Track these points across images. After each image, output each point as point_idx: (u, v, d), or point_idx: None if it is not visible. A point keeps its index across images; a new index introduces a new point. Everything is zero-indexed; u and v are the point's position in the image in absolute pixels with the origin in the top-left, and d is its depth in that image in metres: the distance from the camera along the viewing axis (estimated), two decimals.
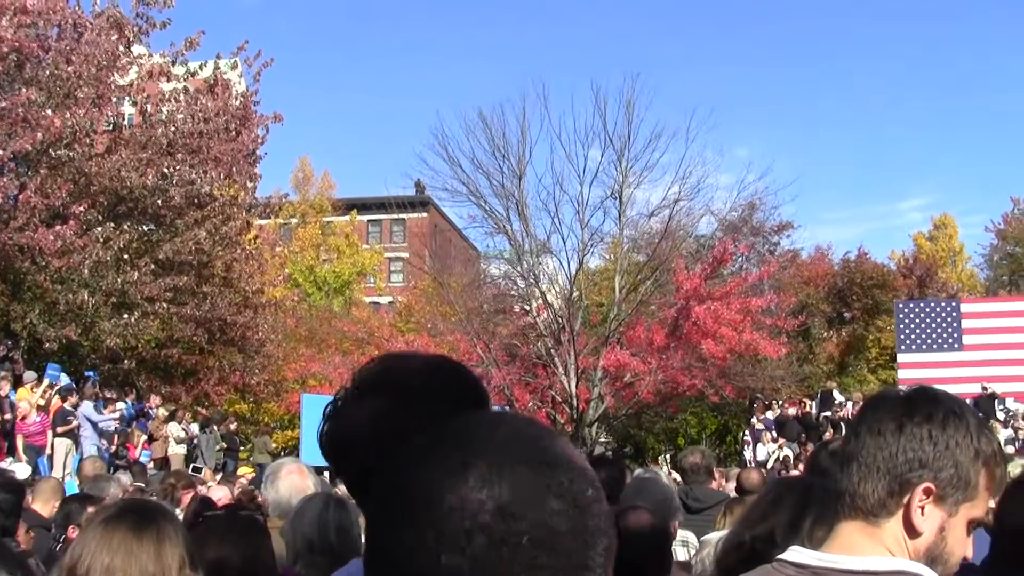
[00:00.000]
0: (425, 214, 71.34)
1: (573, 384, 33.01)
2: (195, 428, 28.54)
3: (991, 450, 2.36)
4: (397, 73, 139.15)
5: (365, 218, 75.33)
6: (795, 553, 2.39)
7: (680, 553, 6.60)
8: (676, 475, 13.34)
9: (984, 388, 33.75)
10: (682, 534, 7.02)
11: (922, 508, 2.29)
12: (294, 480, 5.67)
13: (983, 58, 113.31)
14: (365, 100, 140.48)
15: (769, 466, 27.93)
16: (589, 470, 1.37)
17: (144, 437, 26.62)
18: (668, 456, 37.44)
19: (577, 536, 1.31)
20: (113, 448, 24.40)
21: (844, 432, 2.51)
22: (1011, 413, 33.60)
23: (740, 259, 45.07)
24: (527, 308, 36.43)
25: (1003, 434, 30.91)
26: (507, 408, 31.90)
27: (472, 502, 1.25)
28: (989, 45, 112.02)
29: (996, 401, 34.24)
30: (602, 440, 38.55)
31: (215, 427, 29.76)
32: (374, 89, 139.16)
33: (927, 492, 2.28)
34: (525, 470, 1.30)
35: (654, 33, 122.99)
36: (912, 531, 2.30)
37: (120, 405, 26.03)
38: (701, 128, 49.88)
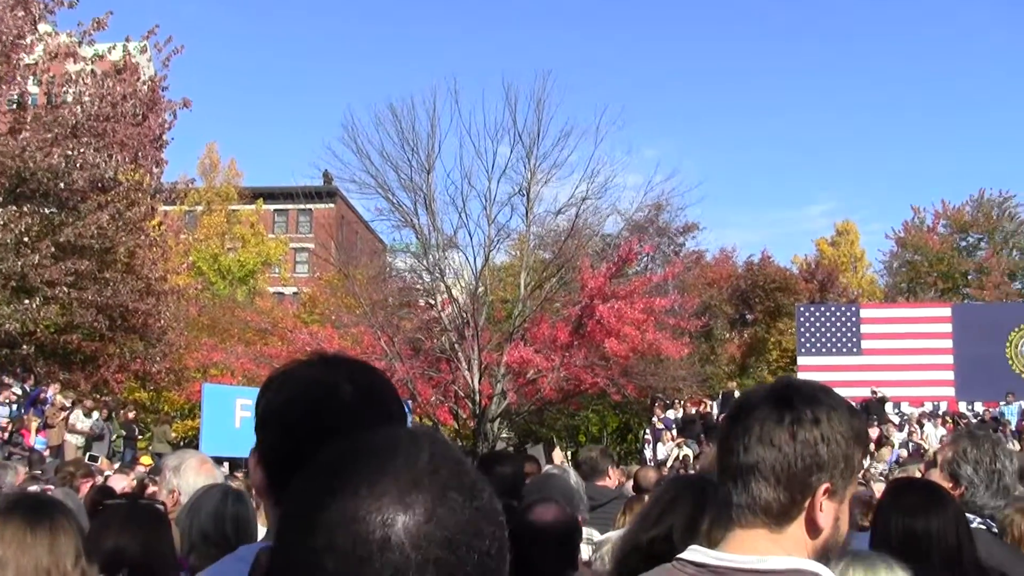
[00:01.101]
0: (332, 205, 70.95)
1: (476, 379, 32.98)
2: (95, 416, 28.15)
3: (862, 427, 2.44)
4: (308, 63, 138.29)
5: (271, 207, 74.78)
6: (694, 552, 2.40)
7: (584, 551, 6.62)
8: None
9: (874, 392, 34.49)
10: (586, 531, 7.05)
11: (821, 506, 2.34)
12: (209, 470, 5.64)
13: (889, 70, 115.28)
14: (275, 89, 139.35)
15: (669, 465, 28.17)
16: (486, 479, 1.41)
17: (38, 423, 26.20)
18: (569, 453, 37.62)
19: (501, 554, 1.36)
20: (5, 435, 24.05)
21: (727, 443, 2.49)
22: (906, 417, 34.27)
23: (645, 259, 45.40)
24: (432, 302, 36.30)
25: (897, 437, 31.51)
26: (410, 402, 31.88)
27: (417, 534, 1.28)
28: (895, 57, 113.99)
29: (890, 405, 34.95)
30: (504, 436, 38.60)
31: (112, 415, 29.39)
32: (285, 78, 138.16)
33: (826, 491, 2.34)
34: (460, 496, 1.32)
35: (565, 32, 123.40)
36: (815, 530, 2.35)
37: (16, 390, 25.68)
38: (610, 127, 49.93)
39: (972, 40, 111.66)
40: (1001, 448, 4.79)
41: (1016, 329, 38.52)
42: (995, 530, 4.63)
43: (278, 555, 1.36)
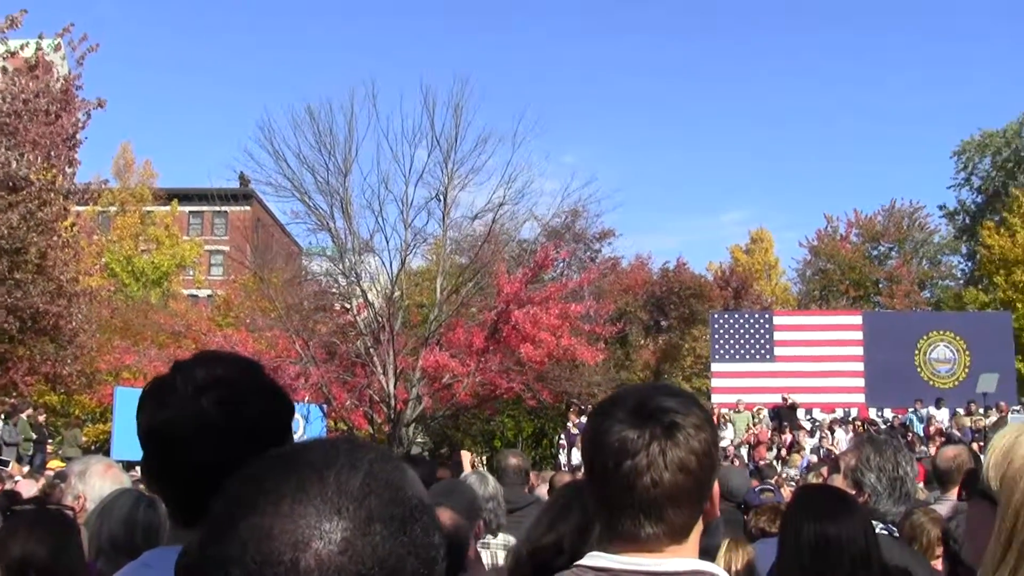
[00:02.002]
0: (248, 208, 70.34)
1: (391, 384, 32.84)
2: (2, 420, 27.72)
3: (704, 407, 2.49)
4: (225, 64, 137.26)
5: (186, 209, 74.11)
6: (595, 558, 2.39)
7: (499, 556, 6.65)
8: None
9: (784, 399, 34.99)
10: (503, 536, 7.08)
11: (713, 495, 2.40)
12: (115, 475, 5.59)
13: (802, 79, 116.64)
14: (192, 89, 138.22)
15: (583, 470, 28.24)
16: (430, 505, 1.36)
17: None
18: (484, 458, 37.59)
19: None
20: None
21: (627, 481, 2.42)
22: (817, 423, 34.72)
23: (561, 265, 45.48)
24: (348, 306, 36.09)
25: (809, 443, 31.89)
26: (325, 406, 31.71)
27: (329, 564, 1.22)
28: (809, 67, 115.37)
29: (802, 412, 35.41)
30: (419, 440, 38.51)
31: (21, 417, 28.96)
32: (202, 79, 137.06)
33: (716, 480, 2.40)
34: (386, 529, 1.26)
35: (485, 37, 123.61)
36: (708, 517, 2.40)
37: None
38: (528, 133, 49.94)
39: (884, 51, 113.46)
40: (902, 455, 4.91)
41: (924, 337, 39.23)
42: (896, 535, 4.74)
43: (197, 553, 1.29)
